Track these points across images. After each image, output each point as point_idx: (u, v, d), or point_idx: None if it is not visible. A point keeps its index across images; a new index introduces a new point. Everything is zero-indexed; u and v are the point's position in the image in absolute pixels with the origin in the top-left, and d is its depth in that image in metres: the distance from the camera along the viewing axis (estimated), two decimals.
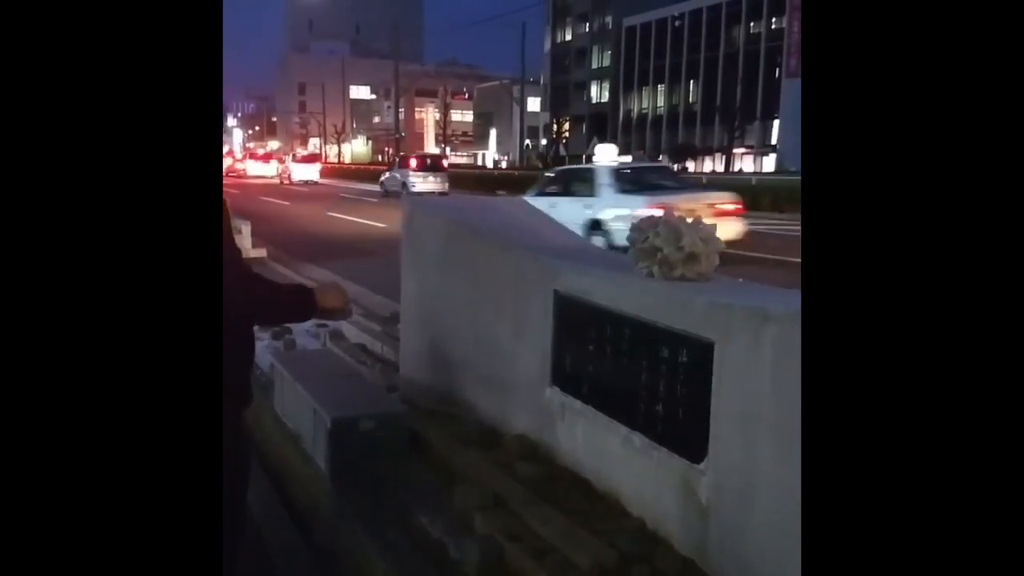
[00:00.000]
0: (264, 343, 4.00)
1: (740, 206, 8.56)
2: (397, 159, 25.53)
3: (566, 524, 1.80)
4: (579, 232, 7.01)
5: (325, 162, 41.88)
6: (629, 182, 8.42)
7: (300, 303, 1.38)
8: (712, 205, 7.93)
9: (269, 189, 25.44)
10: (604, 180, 8.35)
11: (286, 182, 29.97)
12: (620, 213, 7.46)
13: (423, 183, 20.01)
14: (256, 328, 1.51)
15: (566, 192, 8.74)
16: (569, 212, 7.45)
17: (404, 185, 19.80)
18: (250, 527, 2.09)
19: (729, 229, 6.54)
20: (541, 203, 5.25)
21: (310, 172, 30.30)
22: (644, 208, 6.73)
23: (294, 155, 37.35)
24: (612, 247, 6.91)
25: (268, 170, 35.19)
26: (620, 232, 7.24)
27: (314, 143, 68.32)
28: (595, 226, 7.93)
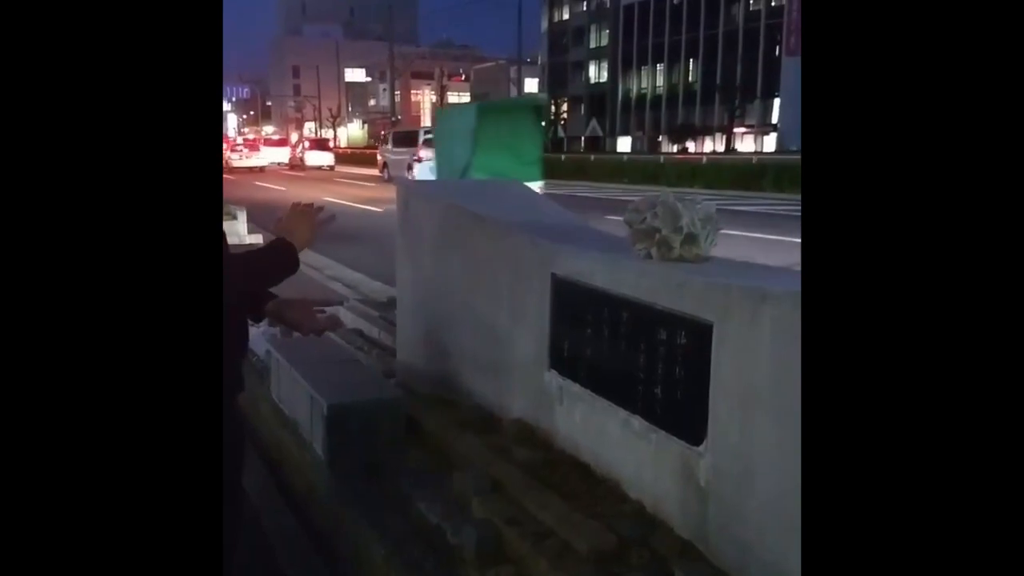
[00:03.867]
0: (260, 329, 3.98)
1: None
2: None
3: (565, 508, 1.79)
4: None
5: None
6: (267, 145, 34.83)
7: (282, 256, 1.35)
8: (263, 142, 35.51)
9: (255, 173, 30.39)
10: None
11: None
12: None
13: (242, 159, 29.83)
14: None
15: (230, 152, 29.84)
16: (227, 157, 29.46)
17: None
18: (248, 514, 2.09)
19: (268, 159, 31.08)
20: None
21: (280, 155, 36.30)
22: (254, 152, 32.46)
23: (265, 140, 44.97)
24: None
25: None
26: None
27: (310, 127, 68.08)
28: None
